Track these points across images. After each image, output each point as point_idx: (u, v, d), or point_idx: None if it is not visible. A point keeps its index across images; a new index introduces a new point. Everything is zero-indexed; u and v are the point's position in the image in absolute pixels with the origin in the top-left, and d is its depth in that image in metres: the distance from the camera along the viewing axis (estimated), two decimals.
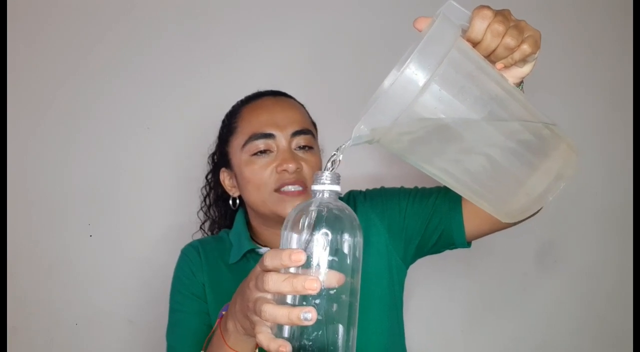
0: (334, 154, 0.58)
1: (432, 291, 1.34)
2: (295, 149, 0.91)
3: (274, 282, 0.53)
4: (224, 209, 1.09)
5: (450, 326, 1.35)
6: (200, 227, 1.14)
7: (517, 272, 1.36)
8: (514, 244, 1.35)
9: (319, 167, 0.91)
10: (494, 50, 0.59)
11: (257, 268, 0.58)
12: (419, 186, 0.96)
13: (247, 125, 0.92)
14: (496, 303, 1.36)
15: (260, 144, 0.89)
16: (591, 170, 1.37)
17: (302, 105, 0.98)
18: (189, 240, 1.04)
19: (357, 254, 0.56)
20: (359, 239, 0.56)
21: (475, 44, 0.59)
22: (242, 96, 1.01)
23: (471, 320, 1.35)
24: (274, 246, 0.95)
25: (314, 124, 0.99)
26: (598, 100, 1.39)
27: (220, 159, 1.00)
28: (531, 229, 1.33)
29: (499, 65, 0.61)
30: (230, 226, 1.03)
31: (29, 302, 1.27)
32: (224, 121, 1.00)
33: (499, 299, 1.36)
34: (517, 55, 0.59)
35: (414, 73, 0.52)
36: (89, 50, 1.32)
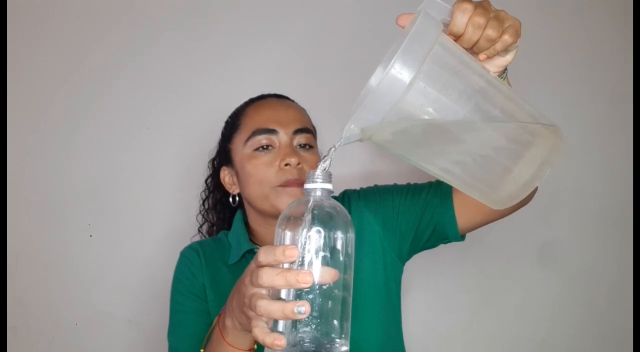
0: (326, 156, 0.59)
1: (431, 290, 1.34)
2: (296, 147, 0.92)
3: (267, 277, 0.54)
4: (222, 213, 1.10)
5: (449, 325, 1.35)
6: (199, 231, 1.15)
7: (517, 271, 1.36)
8: (514, 244, 1.35)
9: None
10: (475, 43, 0.59)
11: (252, 264, 0.59)
12: (412, 182, 0.97)
13: (251, 122, 0.94)
14: (496, 302, 1.36)
15: (263, 138, 0.91)
16: (591, 170, 1.37)
17: (304, 109, 1.00)
18: (189, 240, 1.04)
19: (349, 250, 0.57)
20: (351, 236, 0.57)
21: (457, 38, 0.60)
22: (242, 96, 1.02)
23: (471, 319, 1.35)
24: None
25: (314, 129, 1.00)
26: (598, 100, 1.39)
27: (222, 157, 1.01)
28: (531, 229, 1.33)
29: (482, 56, 0.61)
30: (228, 229, 1.04)
31: (29, 302, 1.27)
32: (227, 121, 1.02)
33: (498, 298, 1.36)
34: (498, 46, 0.60)
35: (399, 72, 0.54)
36: (89, 50, 1.32)
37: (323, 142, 1.02)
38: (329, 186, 0.57)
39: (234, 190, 0.99)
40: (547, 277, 1.35)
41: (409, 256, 0.97)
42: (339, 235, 0.56)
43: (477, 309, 1.36)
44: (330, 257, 0.55)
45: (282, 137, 0.91)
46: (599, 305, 1.36)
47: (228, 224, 1.05)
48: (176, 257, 0.99)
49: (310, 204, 0.56)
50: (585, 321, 1.36)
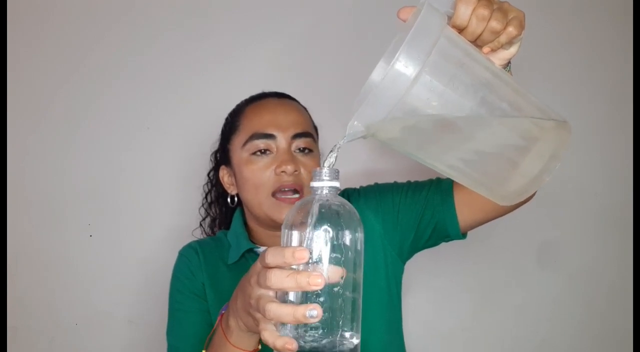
0: (330, 153, 0.58)
1: (431, 289, 1.34)
2: (294, 151, 0.91)
3: (277, 278, 0.52)
4: (224, 207, 1.09)
5: (449, 324, 1.35)
6: (200, 224, 1.15)
7: (517, 271, 1.36)
8: (514, 243, 1.35)
9: None
10: (479, 35, 0.59)
11: (258, 265, 0.57)
12: (412, 180, 0.96)
13: (249, 125, 0.93)
14: (496, 302, 1.36)
15: (261, 143, 0.90)
16: (591, 170, 1.37)
17: (305, 108, 0.99)
18: (188, 240, 1.04)
19: (358, 249, 0.56)
20: (360, 234, 0.56)
21: (461, 30, 0.59)
22: (242, 96, 1.02)
23: (471, 319, 1.35)
24: (271, 245, 0.95)
25: (316, 128, 1.00)
26: (598, 100, 1.39)
27: (222, 156, 1.01)
28: (531, 229, 1.33)
29: (486, 49, 0.61)
30: (229, 225, 1.04)
31: (29, 302, 1.27)
32: (227, 119, 1.01)
33: (499, 298, 1.36)
34: (503, 38, 0.59)
35: (404, 65, 0.52)
36: (89, 50, 1.32)
37: (323, 142, 1.02)
38: (336, 184, 0.56)
39: (232, 190, 0.99)
40: (547, 277, 1.35)
41: (409, 255, 0.97)
42: (347, 233, 0.54)
43: (477, 308, 1.36)
44: (339, 257, 0.54)
45: (280, 142, 0.90)
46: (599, 305, 1.36)
47: (230, 219, 1.05)
48: (176, 256, 0.99)
49: (317, 202, 0.55)
50: (585, 321, 1.36)
